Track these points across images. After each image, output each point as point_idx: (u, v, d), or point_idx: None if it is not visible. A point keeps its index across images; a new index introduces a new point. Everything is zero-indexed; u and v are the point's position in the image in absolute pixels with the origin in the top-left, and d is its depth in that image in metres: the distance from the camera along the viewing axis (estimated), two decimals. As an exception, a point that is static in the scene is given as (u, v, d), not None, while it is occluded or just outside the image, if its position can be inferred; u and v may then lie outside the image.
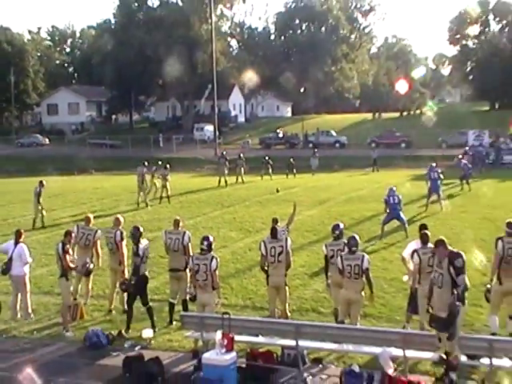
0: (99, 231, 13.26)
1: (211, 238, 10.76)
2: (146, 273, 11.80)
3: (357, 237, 10.69)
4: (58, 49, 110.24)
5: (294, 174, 41.33)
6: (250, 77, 77.84)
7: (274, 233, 11.40)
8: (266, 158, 41.05)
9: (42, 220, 22.96)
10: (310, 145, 59.90)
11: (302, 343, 9.37)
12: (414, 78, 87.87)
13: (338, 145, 60.78)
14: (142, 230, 11.90)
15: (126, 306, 12.65)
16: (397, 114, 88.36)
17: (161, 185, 28.77)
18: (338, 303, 10.91)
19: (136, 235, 11.75)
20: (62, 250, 11.90)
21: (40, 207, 23.03)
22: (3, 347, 11.10)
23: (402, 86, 76.65)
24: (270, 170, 39.93)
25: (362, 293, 10.39)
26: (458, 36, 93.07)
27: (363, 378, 8.74)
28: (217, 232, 19.55)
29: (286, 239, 11.39)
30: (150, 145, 65.48)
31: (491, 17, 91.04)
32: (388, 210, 19.44)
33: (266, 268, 11.29)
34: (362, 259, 10.30)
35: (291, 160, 42.48)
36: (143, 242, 11.77)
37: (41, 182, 23.37)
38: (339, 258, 10.51)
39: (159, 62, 71.98)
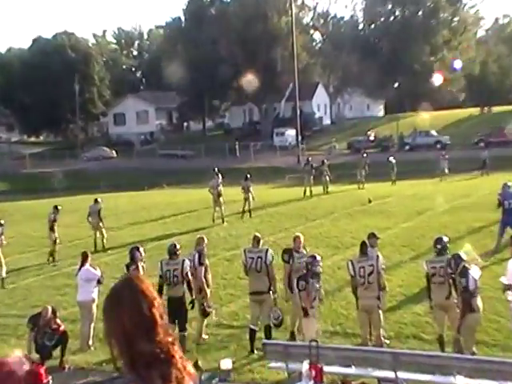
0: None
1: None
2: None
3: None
4: (125, 52, 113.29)
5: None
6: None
7: (363, 248, 11.28)
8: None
9: (102, 241, 23.73)
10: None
11: (401, 375, 9.18)
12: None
13: (439, 146, 59.47)
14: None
15: (204, 334, 12.76)
16: (510, 108, 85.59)
17: (243, 197, 28.98)
18: (443, 328, 10.68)
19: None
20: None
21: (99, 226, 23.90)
22: (72, 381, 11.38)
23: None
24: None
25: None
26: None
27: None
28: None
29: (377, 257, 11.25)
30: (226, 154, 66.72)
31: None
32: (502, 215, 18.91)
33: (355, 290, 11.22)
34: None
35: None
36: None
37: (96, 199, 24.60)
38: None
39: (234, 62, 72.93)
